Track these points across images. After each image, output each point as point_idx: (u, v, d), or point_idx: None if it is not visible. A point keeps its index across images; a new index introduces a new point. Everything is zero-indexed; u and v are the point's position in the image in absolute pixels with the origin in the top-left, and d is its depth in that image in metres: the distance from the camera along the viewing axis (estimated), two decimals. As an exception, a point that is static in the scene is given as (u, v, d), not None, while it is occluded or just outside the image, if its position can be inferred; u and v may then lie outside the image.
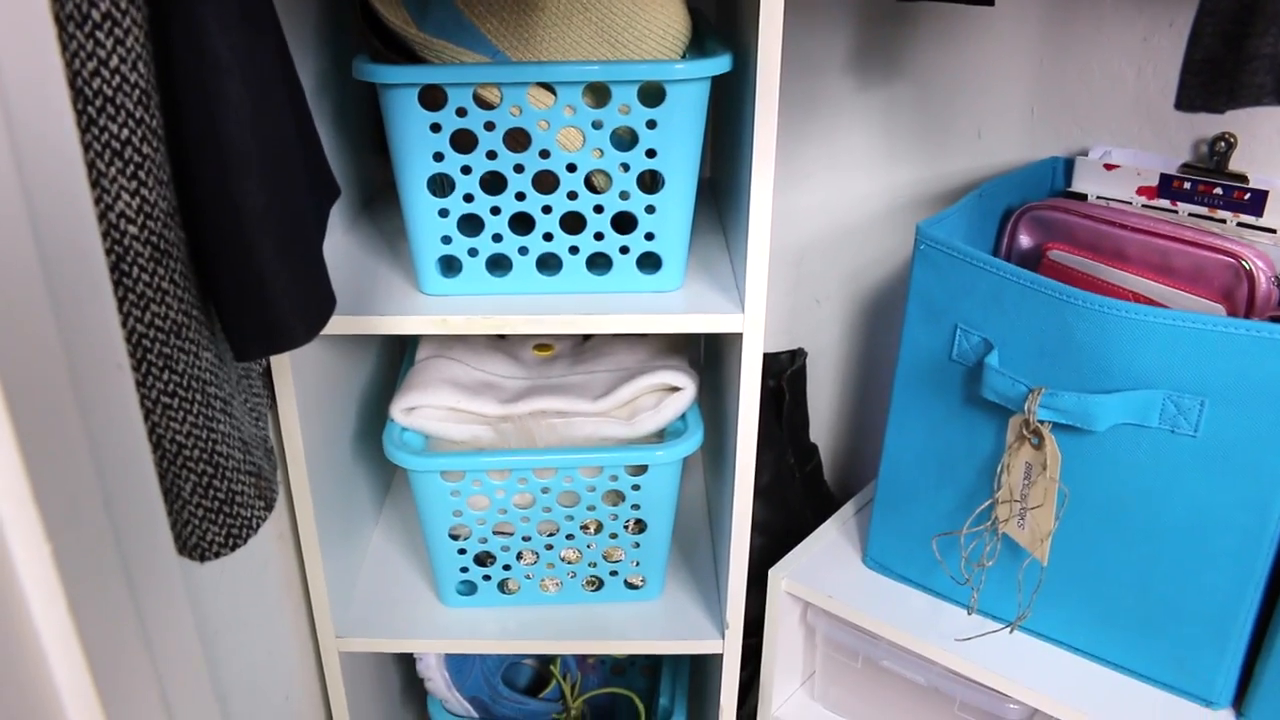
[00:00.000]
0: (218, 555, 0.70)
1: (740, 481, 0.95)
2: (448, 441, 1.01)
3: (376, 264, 0.98)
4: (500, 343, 1.13)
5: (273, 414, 0.92)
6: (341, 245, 1.02)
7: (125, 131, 0.57)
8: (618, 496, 1.02)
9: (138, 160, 0.58)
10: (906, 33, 1.18)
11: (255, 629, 0.95)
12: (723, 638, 1.05)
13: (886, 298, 1.33)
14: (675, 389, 1.00)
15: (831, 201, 1.28)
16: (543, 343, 1.14)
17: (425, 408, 1.00)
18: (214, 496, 0.69)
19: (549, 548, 1.05)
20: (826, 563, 1.13)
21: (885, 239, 1.29)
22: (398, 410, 0.99)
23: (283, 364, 0.89)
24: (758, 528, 1.25)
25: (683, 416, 1.01)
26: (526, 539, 1.04)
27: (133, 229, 0.59)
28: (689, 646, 1.05)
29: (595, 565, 1.07)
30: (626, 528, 1.04)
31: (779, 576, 1.10)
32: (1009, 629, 0.98)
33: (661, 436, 1.01)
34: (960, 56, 1.19)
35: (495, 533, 1.03)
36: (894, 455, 1.05)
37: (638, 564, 1.07)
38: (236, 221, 0.59)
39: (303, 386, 0.93)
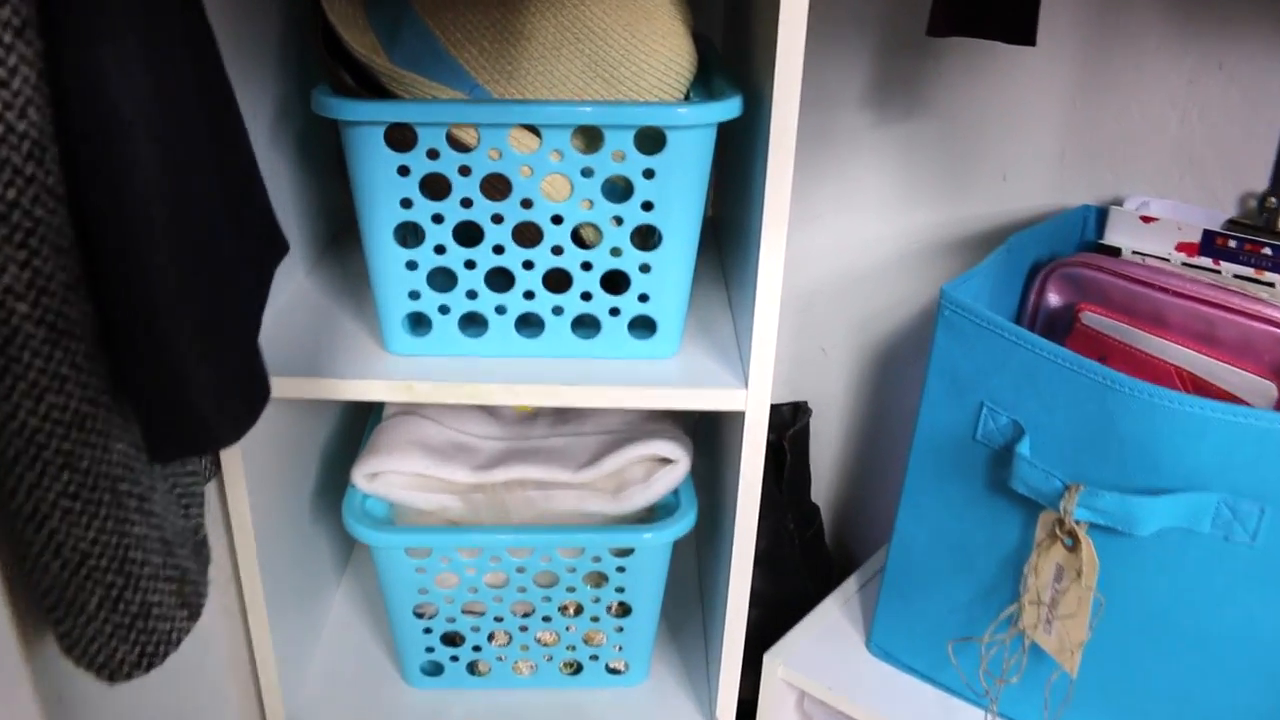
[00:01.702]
0: (129, 677, 0.60)
1: (736, 573, 0.85)
2: (414, 511, 0.91)
3: (339, 314, 0.88)
4: None
5: (218, 480, 0.82)
6: (301, 290, 0.92)
7: (12, 191, 0.47)
8: (600, 578, 0.92)
9: (28, 226, 0.48)
10: (930, 66, 1.09)
11: (193, 707, 0.85)
12: (713, 730, 0.95)
13: (899, 349, 1.23)
14: (667, 461, 0.90)
15: (842, 244, 1.18)
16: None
17: (390, 473, 0.90)
18: (125, 610, 0.58)
19: (523, 629, 0.95)
20: (827, 647, 1.03)
21: (899, 286, 1.20)
22: (360, 475, 0.89)
23: (227, 427, 0.79)
24: (753, 599, 1.15)
25: (675, 491, 0.91)
26: (499, 619, 0.94)
27: (23, 306, 0.49)
28: (676, 738, 0.95)
29: (574, 648, 0.97)
30: (609, 610, 0.94)
31: (774, 662, 1.00)
32: (1032, 744, 0.88)
33: (651, 512, 0.92)
34: (987, 93, 1.09)
35: (465, 612, 0.94)
36: (905, 537, 0.95)
37: (620, 648, 0.97)
38: (144, 306, 0.49)
39: (252, 450, 0.83)
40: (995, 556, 0.88)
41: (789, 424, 1.21)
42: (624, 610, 0.94)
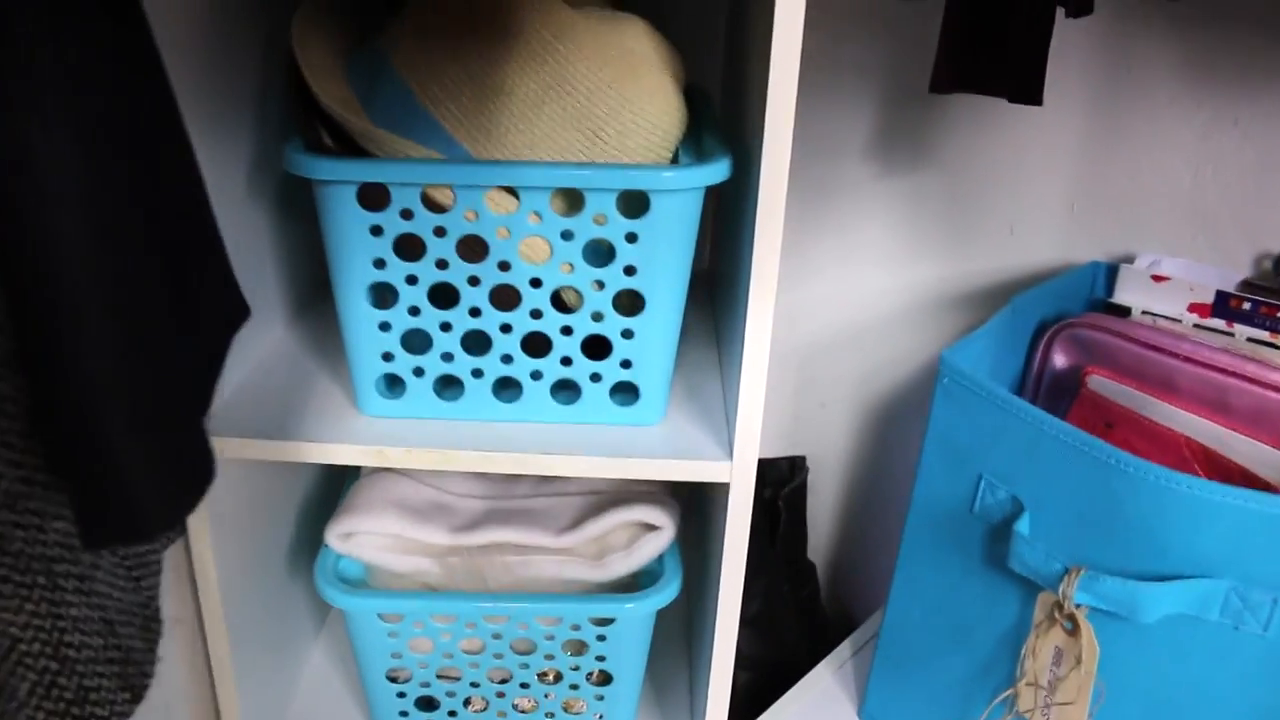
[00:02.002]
0: (63, 766, 0.57)
1: (719, 649, 0.81)
2: (388, 573, 0.88)
3: (315, 372, 0.85)
4: None
5: (185, 539, 0.79)
6: (278, 346, 0.89)
7: (-64, 266, 0.44)
8: (580, 645, 0.88)
9: (-47, 301, 0.45)
10: (935, 117, 1.05)
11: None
12: (695, 809, 0.91)
13: (900, 405, 1.19)
14: (652, 527, 0.87)
15: (843, 297, 1.15)
16: None
17: (365, 534, 0.87)
18: (59, 698, 0.55)
19: (500, 695, 0.91)
20: (817, 715, 0.99)
21: (902, 341, 1.16)
22: (333, 535, 0.86)
23: (194, 487, 0.76)
24: (745, 661, 1.12)
25: (660, 558, 0.87)
26: (475, 685, 0.90)
27: (-52, 385, 0.46)
28: (656, 815, 0.92)
29: (553, 715, 0.93)
30: (589, 678, 0.90)
31: (764, 732, 0.96)
32: (1028, 836, 0.84)
33: (635, 579, 0.88)
34: (994, 145, 1.06)
35: (440, 677, 0.90)
36: (900, 608, 0.91)
37: (601, 716, 0.94)
38: (71, 389, 0.46)
39: (220, 509, 0.80)
40: (992, 633, 0.84)
41: (786, 479, 1.18)
42: (605, 679, 0.90)
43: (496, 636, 0.86)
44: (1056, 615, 0.76)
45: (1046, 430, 0.75)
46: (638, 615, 0.85)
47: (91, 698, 0.57)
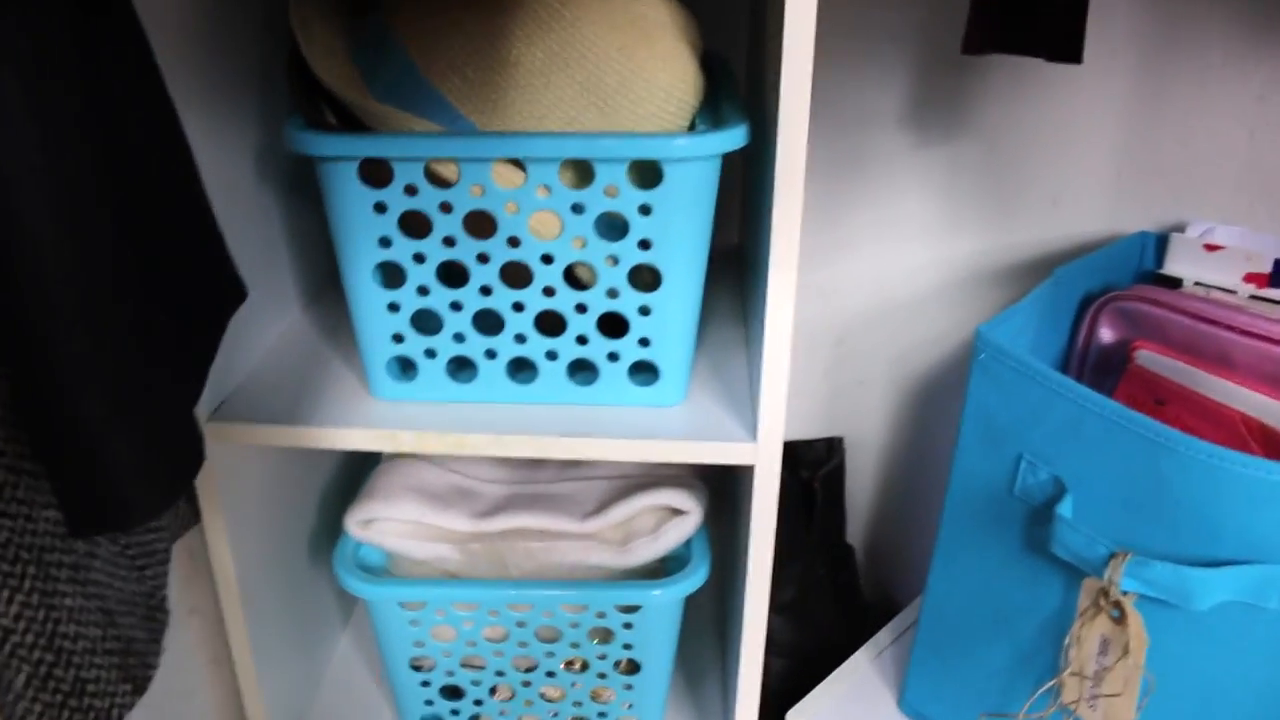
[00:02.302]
0: (61, 761, 0.55)
1: (748, 641, 0.78)
2: (409, 560, 0.86)
3: (328, 356, 0.83)
4: None
5: (199, 529, 0.77)
6: (293, 330, 0.87)
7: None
8: (607, 633, 0.86)
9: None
10: (973, 83, 1.01)
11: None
12: (727, 801, 0.89)
13: (940, 383, 1.15)
14: (678, 511, 0.84)
15: (880, 273, 1.11)
16: None
17: (385, 520, 0.85)
18: (55, 689, 0.54)
19: (526, 684, 0.89)
20: (856, 706, 0.96)
21: (941, 317, 1.12)
22: (353, 522, 0.84)
23: (208, 474, 0.74)
24: (780, 649, 1.09)
25: (687, 543, 0.84)
26: (500, 674, 0.88)
27: (-80, 371, 0.45)
28: (687, 808, 0.89)
29: (581, 704, 0.91)
30: (617, 667, 0.88)
31: (799, 722, 0.93)
32: (1074, 832, 0.80)
33: (662, 564, 0.85)
34: (1036, 111, 1.01)
35: (464, 665, 0.88)
36: (939, 595, 0.87)
37: (630, 705, 0.91)
38: (45, 376, 0.44)
39: (235, 498, 0.78)
40: (1035, 620, 0.80)
41: (822, 461, 1.14)
42: (633, 667, 0.88)
43: (521, 624, 0.84)
44: (1102, 603, 0.72)
45: (1090, 407, 0.71)
46: (665, 602, 0.82)
47: (89, 689, 0.55)
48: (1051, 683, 0.76)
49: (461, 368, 0.75)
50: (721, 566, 1.02)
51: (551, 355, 0.73)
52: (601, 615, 0.83)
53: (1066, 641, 0.75)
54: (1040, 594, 0.79)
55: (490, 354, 0.73)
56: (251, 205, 0.80)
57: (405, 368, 0.76)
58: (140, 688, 0.59)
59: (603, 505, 0.85)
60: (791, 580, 1.09)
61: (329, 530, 0.98)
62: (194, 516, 0.76)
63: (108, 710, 0.57)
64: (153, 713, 0.77)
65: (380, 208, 0.67)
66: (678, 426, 0.73)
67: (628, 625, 0.84)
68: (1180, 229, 0.98)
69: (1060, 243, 1.06)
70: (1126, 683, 0.72)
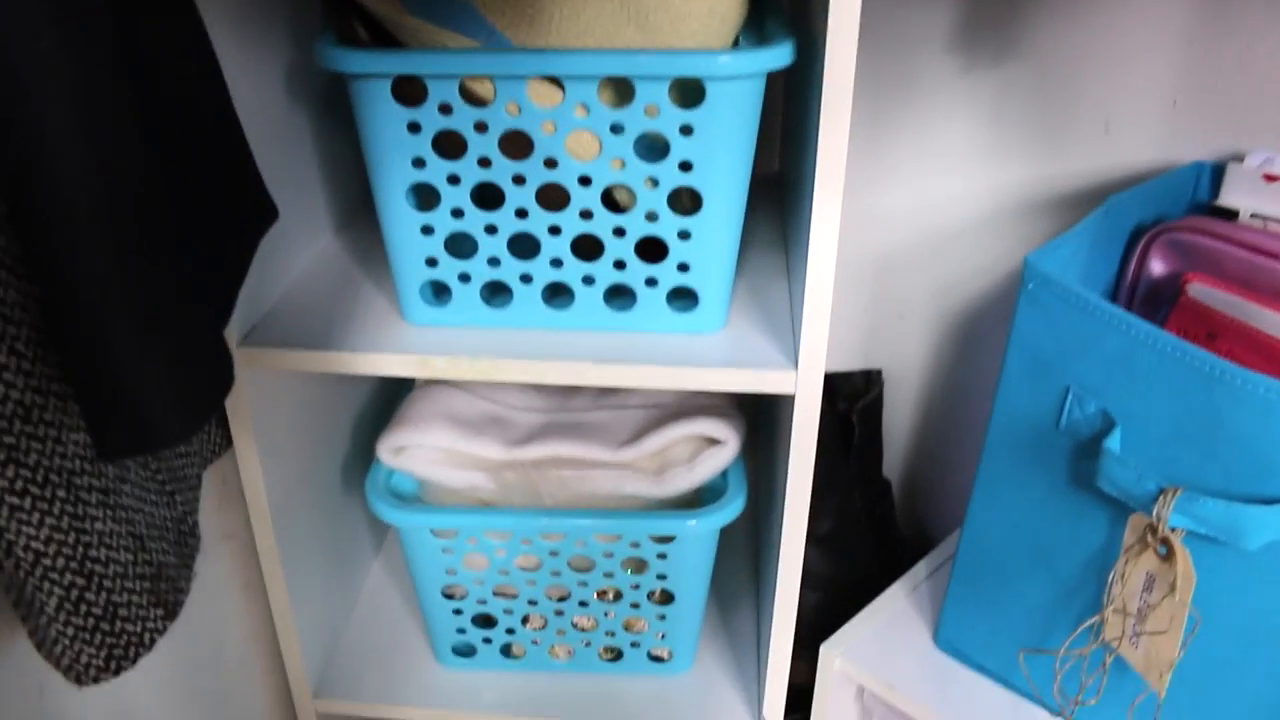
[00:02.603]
0: (96, 680, 0.55)
1: (785, 571, 0.77)
2: (442, 489, 0.85)
3: (361, 281, 0.82)
4: None
5: (231, 454, 0.77)
6: (325, 254, 0.86)
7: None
8: (640, 564, 0.85)
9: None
10: (1025, 4, 0.97)
11: (210, 689, 0.81)
12: (759, 730, 0.89)
13: (983, 316, 1.13)
14: (715, 441, 0.82)
15: (923, 202, 1.08)
16: None
17: (417, 448, 0.84)
18: (87, 613, 0.53)
19: (559, 613, 0.89)
20: (890, 639, 0.95)
21: (986, 248, 1.09)
22: (385, 449, 0.84)
23: (240, 398, 0.74)
24: (816, 582, 1.08)
25: (723, 473, 0.83)
26: (533, 603, 0.88)
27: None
28: (720, 738, 0.89)
29: (613, 634, 0.91)
30: (650, 597, 0.87)
31: (832, 653, 0.93)
32: (1112, 769, 0.79)
33: (697, 494, 0.84)
34: (1088, 33, 0.98)
35: (496, 594, 0.88)
36: (978, 528, 0.86)
37: (663, 636, 0.91)
38: (73, 296, 0.43)
39: (266, 424, 0.78)
40: (1077, 557, 0.79)
41: (860, 394, 1.12)
42: (667, 598, 0.87)
43: (554, 554, 0.83)
44: (1149, 539, 0.70)
45: (1143, 339, 0.69)
46: (700, 533, 0.81)
47: (121, 613, 0.55)
48: (1093, 619, 0.75)
49: (496, 293, 0.74)
50: (757, 498, 1.02)
51: (588, 280, 0.71)
52: (635, 545, 0.82)
53: (1110, 578, 0.73)
54: (1083, 530, 0.77)
55: (525, 278, 0.72)
56: (282, 125, 0.78)
57: (439, 292, 0.75)
58: (172, 612, 0.59)
59: (638, 434, 0.84)
60: (828, 513, 1.08)
61: (362, 456, 0.98)
62: (225, 442, 0.75)
63: (140, 635, 0.57)
64: (187, 639, 0.78)
65: (414, 127, 0.65)
66: (717, 354, 0.71)
67: (662, 555, 0.83)
68: (1239, 158, 0.94)
69: (1112, 172, 1.03)
70: (1172, 620, 0.70)
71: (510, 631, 0.90)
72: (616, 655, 0.93)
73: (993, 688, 0.90)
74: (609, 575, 0.85)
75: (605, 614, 0.89)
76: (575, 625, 0.90)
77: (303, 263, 0.83)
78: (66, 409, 0.50)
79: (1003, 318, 1.11)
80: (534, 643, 0.91)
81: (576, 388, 0.92)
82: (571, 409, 0.89)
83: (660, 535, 0.82)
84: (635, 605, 0.88)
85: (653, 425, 0.84)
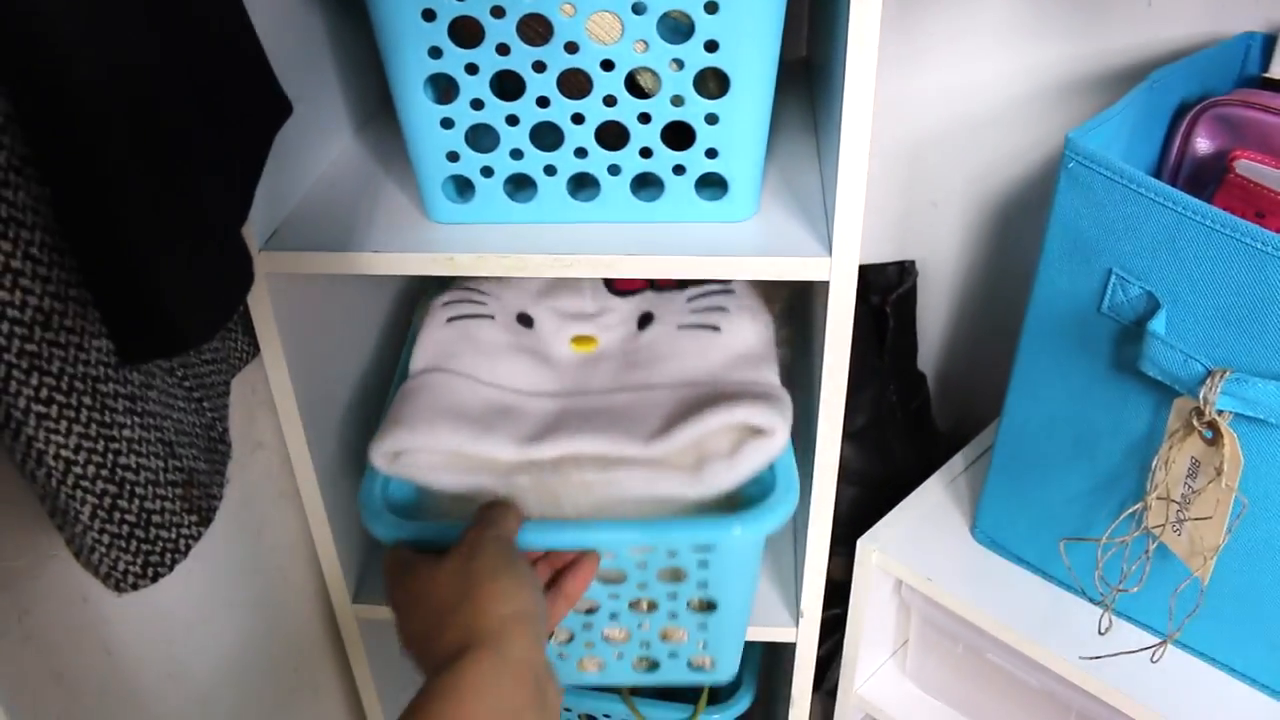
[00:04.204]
0: (135, 587, 0.55)
1: (822, 462, 0.76)
2: (445, 496, 0.76)
3: (383, 180, 0.80)
4: (526, 334, 0.83)
5: (259, 361, 0.76)
6: (346, 155, 0.84)
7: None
8: (678, 573, 0.77)
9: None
10: None
11: (249, 597, 0.82)
12: (797, 625, 0.88)
13: (1019, 203, 1.10)
14: (759, 432, 0.73)
15: (958, 84, 1.04)
16: (584, 334, 0.83)
17: (416, 452, 0.74)
18: (121, 520, 0.53)
19: (587, 626, 0.81)
20: (928, 532, 0.94)
21: (1022, 132, 1.06)
22: (379, 455, 0.74)
23: (264, 305, 0.73)
24: (852, 477, 1.07)
25: (771, 465, 0.74)
26: None
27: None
28: (757, 633, 0.89)
29: (648, 645, 0.83)
30: (690, 605, 0.79)
31: (869, 548, 0.92)
32: (1152, 655, 0.79)
33: (740, 490, 0.75)
34: (1133, -101, 0.93)
35: None
36: (1017, 417, 0.85)
37: (704, 645, 0.83)
38: (86, 195, 0.41)
39: (294, 330, 0.76)
40: (1119, 444, 0.77)
41: (894, 285, 1.10)
42: (708, 606, 0.79)
43: None
44: (1195, 423, 0.69)
45: (1190, 216, 0.66)
46: (746, 540, 0.72)
47: (155, 520, 0.55)
48: (1135, 507, 0.74)
49: (520, 187, 0.72)
50: (793, 395, 1.00)
51: (614, 170, 0.69)
52: (672, 554, 0.74)
53: (1154, 464, 0.72)
54: (1125, 416, 0.76)
55: (550, 170, 0.70)
56: (295, 21, 0.76)
57: (462, 188, 0.73)
58: (206, 519, 0.59)
59: (670, 422, 0.73)
60: (863, 407, 1.07)
61: (391, 360, 0.97)
62: (253, 349, 0.75)
63: (175, 541, 0.57)
64: (225, 547, 0.78)
65: (428, 15, 0.63)
66: (749, 242, 0.69)
67: (703, 564, 0.75)
68: (1289, 27, 0.90)
69: (1155, 47, 0.98)
70: (1218, 505, 0.69)
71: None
72: (652, 665, 0.85)
73: (1031, 579, 0.89)
74: (643, 586, 0.77)
75: (639, 625, 0.81)
76: (605, 638, 0.82)
77: (322, 165, 0.82)
78: (87, 315, 0.49)
79: (1041, 204, 1.08)
80: (560, 656, 0.84)
81: (596, 360, 0.82)
82: (591, 391, 0.79)
83: (701, 545, 0.74)
84: (673, 615, 0.80)
85: (687, 410, 0.73)
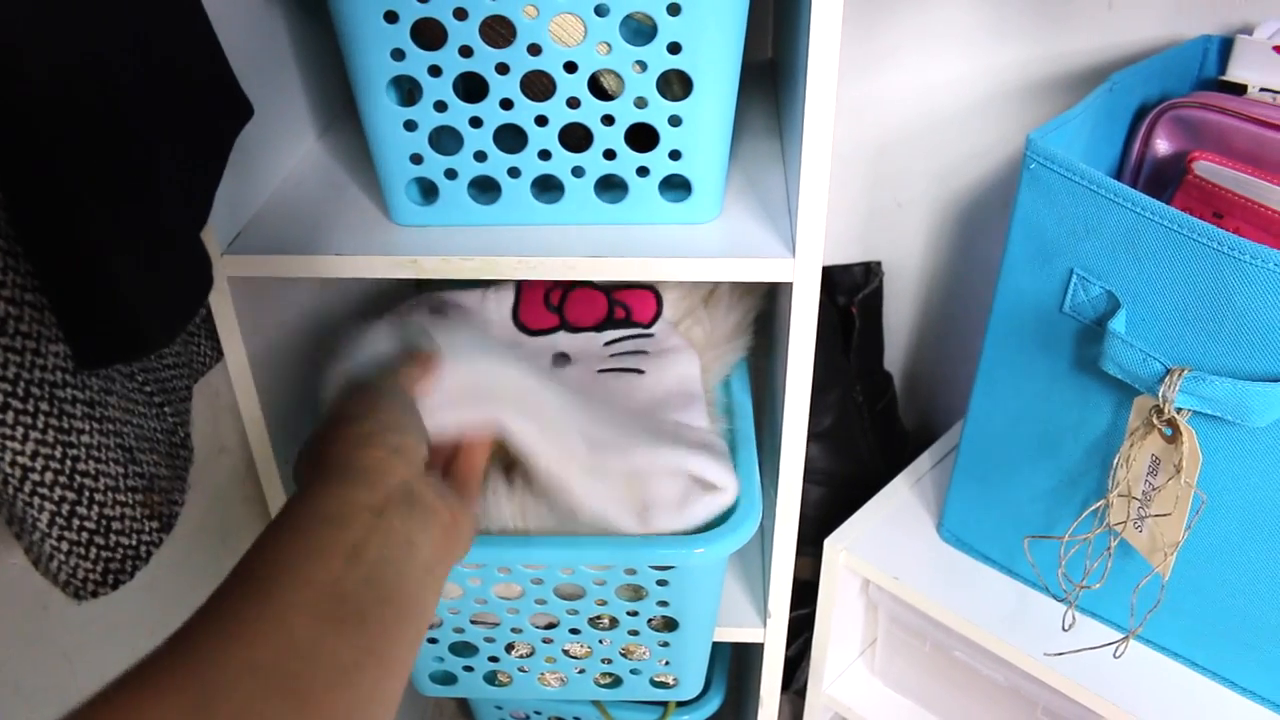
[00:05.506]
0: (95, 595, 0.55)
1: (788, 463, 0.77)
2: None
3: (346, 183, 0.79)
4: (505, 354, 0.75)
5: (223, 366, 0.76)
6: (309, 157, 0.84)
7: None
8: (638, 591, 0.77)
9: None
10: (1026, -128, 0.93)
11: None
12: (765, 625, 0.89)
13: (983, 202, 1.10)
14: (710, 487, 0.73)
15: (921, 84, 1.05)
16: (563, 351, 0.84)
17: None
18: (80, 527, 0.53)
19: (548, 641, 0.82)
20: (894, 532, 0.95)
21: (985, 132, 1.06)
22: None
23: (227, 309, 0.72)
24: (819, 477, 1.08)
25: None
26: (517, 630, 0.81)
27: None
28: (725, 634, 0.89)
29: (610, 660, 0.84)
30: (651, 624, 0.80)
31: (836, 548, 0.93)
32: (1114, 651, 0.79)
33: None
34: (1093, -97, 0.94)
35: (474, 622, 0.80)
36: (981, 417, 0.85)
37: (667, 663, 0.84)
38: (42, 199, 0.41)
39: (257, 334, 0.76)
40: (1081, 442, 0.78)
41: (860, 286, 1.11)
42: (669, 624, 0.80)
43: (536, 582, 0.76)
44: (1155, 421, 0.69)
45: (1148, 216, 0.67)
46: (707, 560, 0.73)
47: (115, 526, 0.54)
48: (1098, 504, 0.74)
49: (484, 189, 0.72)
50: (757, 392, 1.00)
51: (578, 172, 0.69)
52: (631, 572, 0.75)
53: (1115, 462, 0.73)
54: (1087, 415, 0.77)
55: (514, 172, 0.69)
56: (257, 23, 0.75)
57: (426, 191, 0.72)
58: (167, 525, 0.58)
59: (612, 441, 0.71)
60: (829, 408, 1.07)
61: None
62: (215, 355, 0.74)
63: (136, 547, 0.56)
64: (187, 552, 0.77)
65: (391, 17, 0.63)
66: (713, 243, 0.69)
67: (662, 583, 0.76)
68: (1248, 30, 0.91)
69: (1114, 50, 0.99)
70: (1178, 501, 0.70)
71: (494, 659, 0.84)
72: (615, 681, 0.87)
73: (997, 576, 0.90)
74: (602, 603, 0.78)
75: (600, 641, 0.82)
76: (566, 653, 0.83)
77: (286, 168, 0.81)
78: (44, 319, 0.48)
79: (1003, 204, 1.09)
80: (521, 670, 0.85)
81: (565, 371, 0.83)
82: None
83: (660, 564, 0.74)
84: (634, 632, 0.81)
85: (628, 436, 0.71)
